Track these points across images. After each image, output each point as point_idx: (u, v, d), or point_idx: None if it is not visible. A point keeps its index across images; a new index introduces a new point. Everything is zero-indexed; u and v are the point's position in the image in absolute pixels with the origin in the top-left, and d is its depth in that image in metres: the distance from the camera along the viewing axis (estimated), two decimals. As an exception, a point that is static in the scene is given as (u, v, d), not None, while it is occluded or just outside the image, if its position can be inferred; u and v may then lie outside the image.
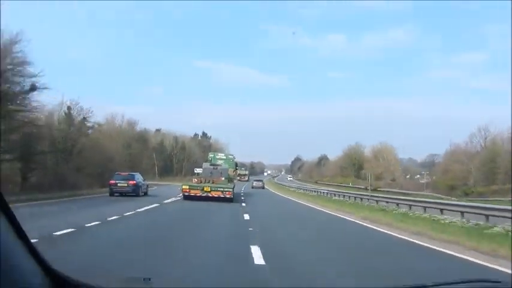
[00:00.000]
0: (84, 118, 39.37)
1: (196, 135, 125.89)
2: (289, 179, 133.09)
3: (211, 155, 38.59)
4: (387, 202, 25.41)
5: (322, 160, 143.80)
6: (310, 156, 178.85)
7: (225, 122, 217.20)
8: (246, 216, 18.34)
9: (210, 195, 26.83)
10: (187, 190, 27.30)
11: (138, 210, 19.08)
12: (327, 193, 43.16)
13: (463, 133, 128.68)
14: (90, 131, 40.89)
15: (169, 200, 27.96)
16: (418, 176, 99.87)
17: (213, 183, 27.78)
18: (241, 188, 59.03)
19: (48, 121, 35.32)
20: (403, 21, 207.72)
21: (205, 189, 27.07)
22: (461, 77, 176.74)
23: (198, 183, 28.13)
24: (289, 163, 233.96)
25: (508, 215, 14.04)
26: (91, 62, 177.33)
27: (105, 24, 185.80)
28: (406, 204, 22.84)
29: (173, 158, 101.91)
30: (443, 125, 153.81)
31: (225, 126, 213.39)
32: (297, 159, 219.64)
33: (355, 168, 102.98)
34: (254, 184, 74.42)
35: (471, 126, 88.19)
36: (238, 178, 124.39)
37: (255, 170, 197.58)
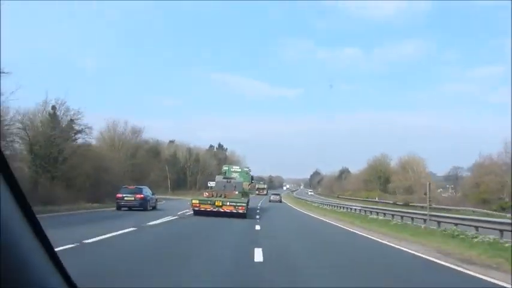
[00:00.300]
0: (72, 120, 33.29)
1: (211, 147, 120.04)
2: (309, 193, 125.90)
3: (225, 168, 36.86)
4: (455, 225, 18.35)
5: (344, 173, 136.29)
6: (329, 170, 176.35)
7: (243, 136, 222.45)
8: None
9: (222, 210, 24.79)
10: (197, 205, 25.40)
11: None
12: (359, 210, 36.09)
13: (480, 146, 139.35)
14: (79, 136, 34.61)
15: (171, 218, 24.47)
16: (441, 189, 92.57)
17: (225, 197, 25.77)
18: (259, 202, 57.45)
19: (25, 121, 29.23)
20: (419, 34, 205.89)
21: (216, 203, 25.01)
22: (476, 90, 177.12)
23: (209, 197, 26.20)
24: (308, 177, 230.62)
25: None
26: (104, 74, 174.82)
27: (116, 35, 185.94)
28: (491, 228, 15.83)
29: (187, 170, 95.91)
30: (457, 138, 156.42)
31: (243, 140, 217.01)
32: (316, 173, 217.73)
33: (380, 181, 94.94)
34: (271, 198, 77.61)
35: (488, 140, 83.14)
36: (256, 192, 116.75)
37: (273, 184, 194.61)
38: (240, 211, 24.78)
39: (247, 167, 39.21)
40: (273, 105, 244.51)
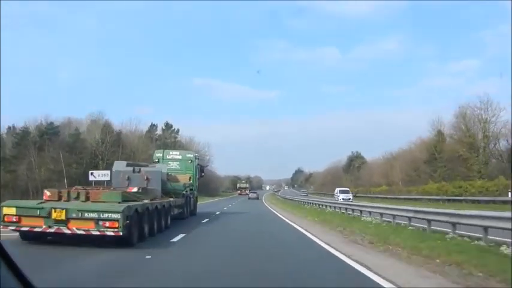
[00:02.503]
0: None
1: (153, 126, 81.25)
2: (302, 193, 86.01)
3: (158, 154, 25.07)
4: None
5: (355, 161, 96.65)
6: (313, 167, 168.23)
7: (220, 139, 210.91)
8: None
9: (66, 230, 11.00)
10: (15, 218, 11.22)
11: None
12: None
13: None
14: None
15: None
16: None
17: (86, 200, 12.06)
18: (228, 204, 45.61)
19: None
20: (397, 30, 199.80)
21: (54, 215, 11.01)
22: (455, 85, 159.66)
23: (47, 200, 12.11)
24: (290, 177, 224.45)
25: None
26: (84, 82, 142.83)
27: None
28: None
29: (99, 158, 57.40)
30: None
31: (220, 142, 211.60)
32: (299, 171, 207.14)
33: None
34: (250, 196, 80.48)
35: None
36: (238, 192, 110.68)
37: (252, 184, 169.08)
38: (110, 232, 10.71)
39: (193, 153, 28.15)
40: (253, 108, 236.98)
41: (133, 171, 16.83)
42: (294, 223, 20.64)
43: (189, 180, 23.12)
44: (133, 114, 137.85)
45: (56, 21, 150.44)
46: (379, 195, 57.92)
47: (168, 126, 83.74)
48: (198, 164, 25.90)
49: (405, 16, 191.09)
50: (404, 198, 49.20)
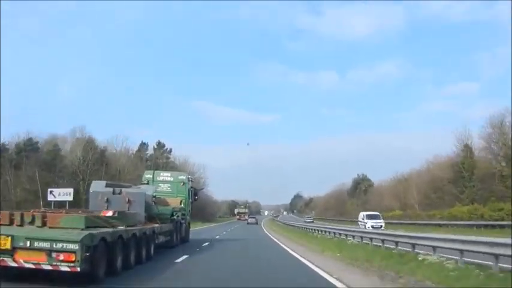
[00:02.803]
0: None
1: (144, 145, 75.18)
2: (307, 219, 77.49)
3: (147, 176, 23.22)
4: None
5: (362, 184, 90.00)
6: (313, 192, 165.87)
7: (217, 163, 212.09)
8: None
9: (13, 262, 9.03)
10: None
11: None
12: None
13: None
14: None
15: None
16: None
17: (43, 225, 10.21)
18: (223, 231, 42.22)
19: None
20: (393, 54, 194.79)
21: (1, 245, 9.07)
22: (453, 108, 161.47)
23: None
24: (288, 202, 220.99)
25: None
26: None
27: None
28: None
29: (80, 179, 51.08)
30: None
31: (217, 167, 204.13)
32: (298, 197, 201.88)
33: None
34: (249, 221, 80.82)
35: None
36: (237, 217, 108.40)
37: (250, 209, 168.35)
38: (65, 267, 8.82)
39: (186, 174, 25.33)
40: (252, 131, 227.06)
41: (114, 192, 15.26)
42: (310, 262, 14.56)
43: (180, 204, 21.60)
44: (121, 132, 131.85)
45: (50, 35, 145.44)
46: (393, 221, 51.63)
47: (160, 145, 77.71)
48: (191, 187, 24.27)
49: (402, 39, 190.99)
50: (425, 224, 42.96)
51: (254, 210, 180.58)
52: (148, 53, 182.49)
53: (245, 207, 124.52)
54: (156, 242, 15.29)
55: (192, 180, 25.73)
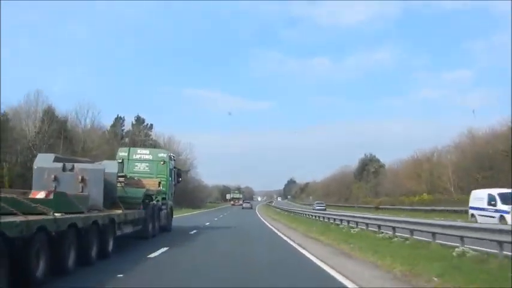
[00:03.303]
0: None
1: (120, 119, 64.68)
2: (317, 207, 64.22)
3: (122, 154, 20.58)
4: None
5: (370, 165, 79.77)
6: (303, 178, 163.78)
7: (209, 149, 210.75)
8: None
9: None
10: None
11: None
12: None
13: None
14: None
15: None
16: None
17: None
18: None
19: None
20: (390, 41, 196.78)
21: None
22: (449, 95, 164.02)
23: None
24: (281, 187, 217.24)
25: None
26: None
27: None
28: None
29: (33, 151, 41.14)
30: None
31: (209, 153, 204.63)
32: (291, 182, 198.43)
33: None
34: (244, 205, 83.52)
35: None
36: (231, 203, 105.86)
37: (243, 195, 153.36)
38: None
39: (167, 152, 22.29)
40: (245, 118, 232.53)
41: (64, 169, 12.36)
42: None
43: (159, 186, 18.65)
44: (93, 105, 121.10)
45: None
46: (419, 207, 42.17)
47: (139, 121, 67.23)
48: (174, 167, 22.00)
49: (397, 26, 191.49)
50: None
51: (247, 196, 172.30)
52: (143, 43, 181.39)
53: (239, 193, 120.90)
54: (119, 233, 12.39)
55: (174, 159, 22.76)
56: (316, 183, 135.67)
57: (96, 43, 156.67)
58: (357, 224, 20.82)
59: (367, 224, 19.64)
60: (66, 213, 9.01)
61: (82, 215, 9.77)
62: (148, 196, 16.50)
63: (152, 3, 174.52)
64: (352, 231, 18.54)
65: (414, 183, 52.56)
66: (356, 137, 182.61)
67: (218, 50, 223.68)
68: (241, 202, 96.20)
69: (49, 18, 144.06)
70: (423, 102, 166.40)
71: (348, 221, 22.72)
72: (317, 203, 63.59)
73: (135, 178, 17.90)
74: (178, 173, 23.01)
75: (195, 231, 21.49)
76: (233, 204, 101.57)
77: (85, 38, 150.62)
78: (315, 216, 32.80)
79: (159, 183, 18.70)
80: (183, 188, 69.12)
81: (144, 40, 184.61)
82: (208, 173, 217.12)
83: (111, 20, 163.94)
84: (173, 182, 21.45)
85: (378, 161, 77.66)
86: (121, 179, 15.24)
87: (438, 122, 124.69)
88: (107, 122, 61.42)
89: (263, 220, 36.90)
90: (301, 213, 40.64)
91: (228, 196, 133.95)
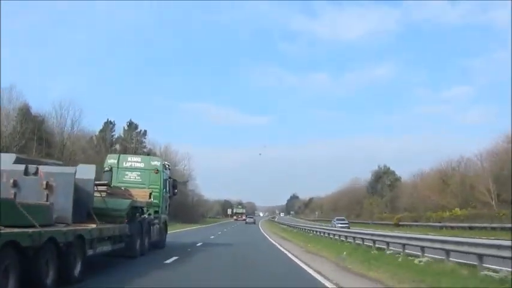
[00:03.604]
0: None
1: (109, 124, 58.82)
2: (340, 224, 49.32)
3: (111, 161, 18.86)
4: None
5: (384, 178, 73.10)
6: (305, 194, 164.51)
7: (210, 164, 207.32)
8: None
9: None
10: None
11: None
12: None
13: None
14: None
15: None
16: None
17: None
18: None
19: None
20: (388, 57, 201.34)
21: None
22: (448, 111, 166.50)
23: None
24: (283, 203, 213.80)
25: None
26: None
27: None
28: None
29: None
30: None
31: (210, 167, 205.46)
32: (294, 197, 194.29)
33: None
34: (247, 220, 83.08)
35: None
36: (234, 218, 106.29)
37: (246, 210, 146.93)
38: None
39: (161, 160, 20.48)
40: (246, 133, 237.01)
41: (26, 172, 10.48)
42: None
43: (150, 197, 16.25)
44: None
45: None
46: (452, 224, 36.12)
47: (132, 126, 61.19)
48: (169, 177, 20.00)
49: (396, 42, 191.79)
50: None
51: (249, 211, 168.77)
52: (142, 53, 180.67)
53: (242, 207, 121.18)
54: (91, 252, 10.18)
55: (169, 168, 20.89)
56: (321, 199, 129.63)
57: (89, 48, 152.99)
58: (403, 248, 14.91)
59: (422, 248, 13.75)
60: (10, 226, 7.20)
61: (30, 230, 7.65)
62: (135, 208, 14.61)
63: (148, 14, 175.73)
64: (419, 262, 12.40)
65: (440, 196, 46.42)
66: (357, 151, 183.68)
67: (218, 64, 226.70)
68: (244, 217, 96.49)
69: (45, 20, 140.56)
70: (420, 118, 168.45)
71: (387, 243, 16.64)
72: (338, 219, 53.40)
73: (122, 188, 15.55)
74: (174, 184, 20.79)
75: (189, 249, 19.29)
76: (236, 219, 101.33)
77: (81, 40, 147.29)
78: (330, 234, 26.79)
79: (150, 194, 16.52)
80: (180, 200, 64.03)
81: (141, 48, 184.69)
82: (207, 187, 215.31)
83: (107, 25, 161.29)
84: (168, 194, 19.56)
85: (393, 173, 71.34)
86: (101, 188, 13.46)
87: (437, 138, 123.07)
88: (96, 127, 56.11)
89: (270, 239, 30.91)
90: (313, 231, 34.45)
91: (229, 211, 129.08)
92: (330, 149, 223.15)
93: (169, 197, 20.11)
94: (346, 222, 52.11)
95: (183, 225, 50.39)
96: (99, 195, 12.82)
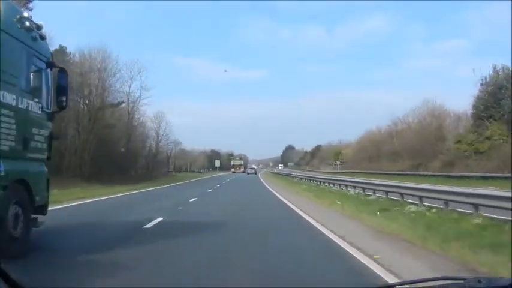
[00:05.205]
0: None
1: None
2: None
3: None
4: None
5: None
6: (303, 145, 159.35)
7: (201, 117, 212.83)
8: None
9: None
10: None
11: None
12: None
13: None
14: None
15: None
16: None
17: None
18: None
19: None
20: (383, 9, 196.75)
21: None
22: (443, 65, 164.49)
23: None
24: (278, 155, 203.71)
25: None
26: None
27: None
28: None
29: None
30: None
31: (201, 121, 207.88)
32: (290, 148, 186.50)
33: None
34: (248, 171, 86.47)
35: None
36: (232, 170, 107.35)
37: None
38: None
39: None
40: (238, 86, 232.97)
41: None
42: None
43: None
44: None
45: None
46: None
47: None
48: (45, 61, 7.55)
49: None
50: None
51: (243, 164, 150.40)
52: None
53: (240, 159, 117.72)
54: None
55: (39, 35, 7.30)
56: (332, 146, 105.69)
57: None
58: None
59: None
60: None
61: None
62: None
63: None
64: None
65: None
66: (348, 105, 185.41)
67: (209, 17, 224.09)
68: (243, 169, 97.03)
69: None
70: (416, 72, 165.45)
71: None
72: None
73: None
74: (61, 78, 7.93)
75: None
76: (234, 172, 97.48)
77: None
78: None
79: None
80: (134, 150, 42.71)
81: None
82: (196, 142, 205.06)
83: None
84: (40, 104, 7.32)
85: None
86: None
87: (433, 92, 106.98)
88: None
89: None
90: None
91: (217, 163, 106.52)
92: (323, 103, 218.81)
93: (50, 114, 7.79)
94: None
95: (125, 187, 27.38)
96: None
